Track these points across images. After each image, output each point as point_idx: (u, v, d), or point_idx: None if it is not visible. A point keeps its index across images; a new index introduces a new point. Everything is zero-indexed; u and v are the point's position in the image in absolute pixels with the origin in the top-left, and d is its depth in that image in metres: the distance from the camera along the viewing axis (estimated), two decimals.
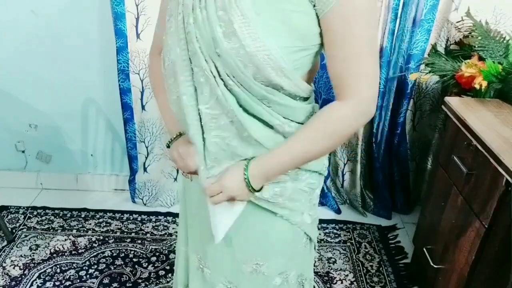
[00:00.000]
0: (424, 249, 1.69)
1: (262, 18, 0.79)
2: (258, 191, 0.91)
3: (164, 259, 1.96)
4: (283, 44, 0.80)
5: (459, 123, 1.46)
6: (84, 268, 1.90)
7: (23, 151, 2.38)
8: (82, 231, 2.13)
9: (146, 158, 2.24)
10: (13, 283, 1.81)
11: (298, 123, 0.91)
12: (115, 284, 1.82)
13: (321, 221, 2.19)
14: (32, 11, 2.01)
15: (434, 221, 1.68)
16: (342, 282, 1.88)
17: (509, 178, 1.19)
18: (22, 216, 2.21)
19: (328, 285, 1.86)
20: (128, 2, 1.86)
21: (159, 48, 1.03)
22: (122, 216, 2.24)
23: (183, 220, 1.12)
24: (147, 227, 2.17)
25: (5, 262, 1.91)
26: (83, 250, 2.00)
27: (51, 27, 2.04)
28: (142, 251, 2.00)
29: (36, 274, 1.85)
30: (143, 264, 1.93)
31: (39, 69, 2.14)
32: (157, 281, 1.85)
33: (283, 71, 0.82)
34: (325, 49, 0.85)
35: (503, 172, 1.21)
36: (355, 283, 1.88)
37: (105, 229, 2.14)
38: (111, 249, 2.01)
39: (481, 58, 1.69)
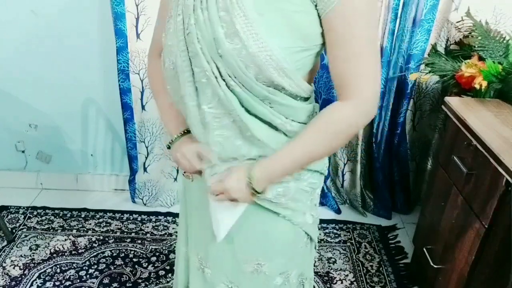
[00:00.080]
0: (424, 249, 1.69)
1: (264, 18, 0.79)
2: (261, 193, 0.91)
3: (164, 259, 1.96)
4: (285, 44, 0.80)
5: (459, 123, 1.47)
6: (84, 268, 1.90)
7: (23, 151, 2.38)
8: (82, 231, 2.13)
9: (146, 158, 2.24)
10: (13, 283, 1.81)
11: (300, 122, 0.91)
12: (115, 284, 1.82)
13: (321, 221, 2.19)
14: (32, 11, 2.01)
15: (434, 221, 1.68)
16: (342, 282, 1.88)
17: (509, 178, 1.19)
18: (22, 216, 2.21)
19: (328, 285, 1.86)
20: (128, 2, 1.86)
21: (158, 49, 1.03)
22: (122, 216, 2.24)
23: (183, 220, 1.12)
24: (147, 227, 2.17)
25: (5, 262, 1.91)
26: (83, 250, 2.00)
27: (51, 27, 2.04)
28: (142, 251, 2.00)
29: (36, 274, 1.86)
30: (143, 264, 1.93)
31: (39, 69, 2.14)
32: (157, 281, 1.85)
33: (285, 71, 0.82)
34: (327, 49, 0.85)
35: (503, 172, 1.21)
36: (355, 283, 1.88)
37: (105, 229, 2.14)
38: (111, 249, 2.01)
39: (481, 58, 1.69)
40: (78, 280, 1.83)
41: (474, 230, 1.38)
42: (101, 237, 2.08)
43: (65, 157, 2.39)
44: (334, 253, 2.04)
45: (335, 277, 1.90)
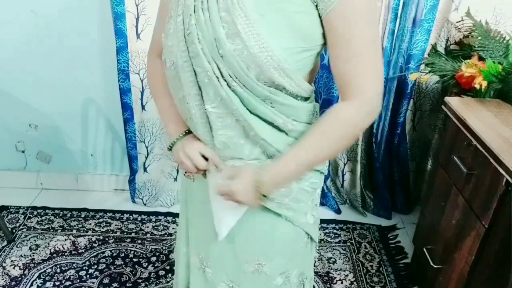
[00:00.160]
0: (424, 249, 1.69)
1: (265, 19, 0.79)
2: (268, 196, 0.92)
3: (164, 259, 1.96)
4: (286, 45, 0.81)
5: (459, 123, 1.47)
6: (84, 268, 1.90)
7: (23, 151, 2.38)
8: (82, 231, 2.13)
9: (146, 158, 2.24)
10: (13, 283, 1.81)
11: (301, 121, 0.91)
12: (115, 284, 1.82)
13: (321, 221, 2.19)
14: (32, 11, 2.01)
15: (434, 221, 1.68)
16: (342, 282, 1.88)
17: (509, 178, 1.19)
18: (22, 216, 2.21)
19: (328, 285, 1.86)
20: (128, 2, 1.86)
21: (157, 49, 1.02)
22: (122, 216, 2.24)
23: (184, 221, 1.12)
24: (147, 227, 2.17)
25: (5, 262, 1.91)
26: (83, 250, 2.00)
27: (51, 27, 2.04)
28: (142, 251, 2.00)
29: (36, 274, 1.85)
30: (143, 264, 1.93)
31: (39, 69, 2.14)
32: (157, 281, 1.85)
33: (285, 71, 0.82)
34: (328, 49, 0.86)
35: (503, 172, 1.21)
36: (355, 283, 1.88)
37: (105, 229, 2.14)
38: (111, 249, 2.01)
39: (481, 58, 1.69)
40: (78, 280, 1.83)
41: (474, 230, 1.38)
42: (101, 237, 2.08)
43: (65, 157, 2.39)
44: (334, 253, 2.04)
45: (335, 277, 1.90)
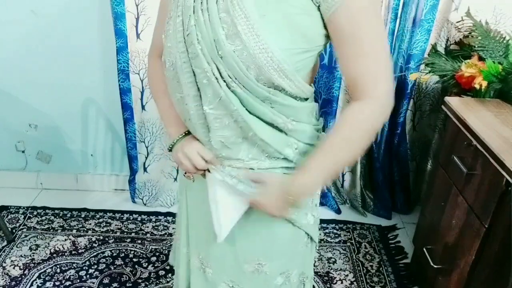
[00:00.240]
0: (424, 249, 1.69)
1: (265, 20, 0.79)
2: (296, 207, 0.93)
3: (164, 259, 1.95)
4: (286, 46, 0.80)
5: (459, 123, 1.47)
6: (84, 268, 1.90)
7: (23, 151, 2.38)
8: (82, 231, 2.13)
9: (146, 158, 2.24)
10: (13, 283, 1.81)
11: (300, 121, 0.91)
12: (115, 284, 1.82)
13: (321, 221, 2.19)
14: (32, 11, 2.01)
15: (434, 221, 1.68)
16: (342, 282, 1.88)
17: (509, 178, 1.19)
18: (22, 216, 2.21)
19: (328, 285, 1.86)
20: (128, 2, 1.86)
21: (158, 50, 1.03)
22: (122, 216, 2.24)
23: (184, 221, 1.12)
24: (147, 227, 2.17)
25: (5, 262, 1.91)
26: (83, 250, 2.00)
27: (51, 27, 2.04)
28: (142, 251, 2.00)
29: (36, 274, 1.86)
30: (143, 264, 1.93)
31: (39, 69, 2.14)
32: (157, 281, 1.85)
33: (285, 73, 0.82)
34: (335, 50, 0.86)
35: (503, 172, 1.21)
36: (355, 283, 1.88)
37: (105, 229, 2.14)
38: (111, 249, 2.01)
39: (481, 58, 1.69)
40: (78, 280, 1.83)
41: (474, 230, 1.38)
42: (101, 237, 2.08)
43: (65, 157, 2.39)
44: (334, 253, 2.04)
45: (335, 277, 1.90)
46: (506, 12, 1.86)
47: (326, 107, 2.06)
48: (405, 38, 1.91)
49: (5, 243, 2.02)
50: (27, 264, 1.91)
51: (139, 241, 2.06)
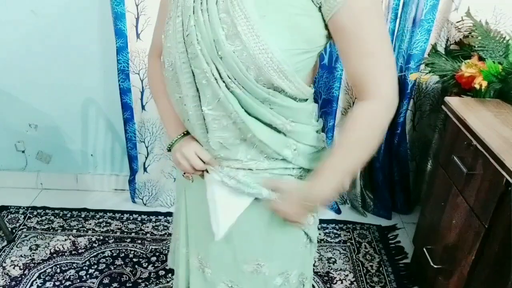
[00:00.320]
0: (424, 249, 1.69)
1: (265, 20, 0.79)
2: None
3: (164, 259, 1.95)
4: (286, 46, 0.80)
5: (459, 123, 1.46)
6: (84, 268, 1.90)
7: (23, 151, 2.38)
8: (82, 231, 2.13)
9: (146, 158, 2.24)
10: (13, 283, 1.81)
11: (299, 122, 0.91)
12: (115, 284, 1.82)
13: (321, 221, 2.19)
14: (32, 11, 2.01)
15: (434, 221, 1.68)
16: (342, 282, 1.88)
17: (509, 178, 1.19)
18: (22, 216, 2.21)
19: (328, 285, 1.86)
20: (128, 2, 1.86)
21: (157, 50, 1.03)
22: (122, 216, 2.24)
23: (183, 221, 1.12)
24: (147, 227, 2.17)
25: (5, 262, 1.91)
26: (83, 250, 2.00)
27: (51, 27, 2.04)
28: (142, 251, 2.00)
29: (36, 274, 1.86)
30: (143, 264, 1.93)
31: (39, 69, 2.14)
32: (157, 281, 1.85)
33: (285, 73, 0.82)
34: (339, 50, 0.86)
35: (503, 172, 1.21)
36: (355, 283, 1.88)
37: (105, 229, 2.14)
38: (111, 249, 2.01)
39: (481, 58, 1.69)
40: (78, 280, 1.83)
41: (474, 230, 1.38)
42: (101, 237, 2.08)
43: (65, 157, 2.39)
44: (334, 253, 2.04)
45: (335, 277, 1.90)
46: (506, 12, 1.86)
47: (326, 107, 2.06)
48: (405, 38, 1.91)
49: (5, 243, 2.02)
50: (27, 264, 1.91)
51: (139, 241, 2.07)
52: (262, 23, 0.78)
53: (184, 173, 1.02)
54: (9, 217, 2.20)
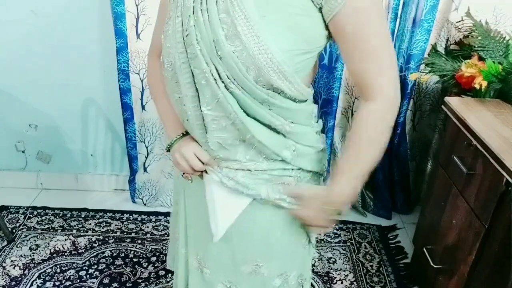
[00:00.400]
0: (424, 249, 1.69)
1: (265, 21, 0.78)
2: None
3: (164, 259, 1.95)
4: (286, 47, 0.80)
5: (459, 123, 1.46)
6: (84, 268, 1.90)
7: (23, 151, 2.38)
8: (82, 231, 2.13)
9: (146, 158, 2.24)
10: (13, 283, 1.81)
11: (298, 123, 0.91)
12: (115, 284, 1.82)
13: None
14: (32, 11, 2.01)
15: (434, 221, 1.68)
16: (342, 282, 1.88)
17: (509, 178, 1.19)
18: (22, 216, 2.21)
19: (328, 285, 1.86)
20: (128, 2, 1.86)
21: (157, 50, 1.02)
22: (122, 216, 2.24)
23: (182, 221, 1.12)
24: (147, 227, 2.17)
25: (5, 262, 1.91)
26: (83, 250, 2.00)
27: (51, 27, 2.04)
28: (142, 251, 2.00)
29: (36, 274, 1.86)
30: (143, 264, 1.93)
31: (39, 69, 2.14)
32: (157, 281, 1.85)
33: (284, 74, 0.82)
34: (340, 50, 0.86)
35: (503, 172, 1.21)
36: (355, 283, 1.88)
37: (105, 229, 2.14)
38: (111, 249, 2.01)
39: (481, 58, 1.69)
40: (78, 280, 1.83)
41: (474, 230, 1.38)
42: (101, 237, 2.08)
43: (65, 157, 2.39)
44: (334, 253, 2.04)
45: (335, 277, 1.90)
46: (506, 12, 1.86)
47: (326, 107, 2.06)
48: (405, 38, 1.91)
49: (5, 243, 2.02)
50: (27, 264, 1.91)
51: (139, 241, 2.07)
52: (262, 23, 0.78)
53: (183, 173, 1.02)
54: (9, 217, 2.20)
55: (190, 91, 0.87)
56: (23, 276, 1.84)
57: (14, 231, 2.11)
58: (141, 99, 2.09)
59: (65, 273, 1.87)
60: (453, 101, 1.56)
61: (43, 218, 2.21)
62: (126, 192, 2.39)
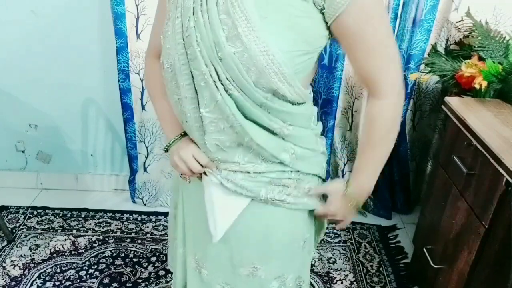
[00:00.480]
0: (424, 249, 1.69)
1: (266, 21, 0.78)
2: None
3: (164, 259, 1.95)
4: (287, 48, 0.80)
5: (459, 123, 1.46)
6: (84, 268, 1.90)
7: (23, 151, 2.38)
8: (82, 231, 2.13)
9: (146, 158, 2.24)
10: (13, 283, 1.81)
11: (297, 126, 0.91)
12: (115, 284, 1.82)
13: None
14: (32, 11, 2.01)
15: (434, 221, 1.68)
16: (342, 282, 1.88)
17: (509, 178, 1.19)
18: (22, 216, 2.21)
19: (328, 285, 1.86)
20: (128, 2, 1.86)
21: (155, 50, 1.01)
22: (122, 216, 2.24)
23: (181, 221, 1.12)
24: (147, 227, 2.17)
25: (5, 262, 1.91)
26: (83, 250, 2.00)
27: (51, 27, 2.04)
28: (142, 251, 2.00)
29: (36, 274, 1.86)
30: (143, 264, 1.93)
31: (39, 69, 2.14)
32: (157, 281, 1.85)
33: (285, 76, 0.81)
34: (344, 49, 0.87)
35: (503, 172, 1.21)
36: (355, 283, 1.88)
37: (105, 229, 2.14)
38: (111, 249, 2.01)
39: (481, 58, 1.69)
40: (78, 280, 1.83)
41: (474, 230, 1.38)
42: (101, 237, 2.08)
43: (65, 157, 2.39)
44: (334, 253, 2.04)
45: (335, 277, 1.90)
46: (506, 12, 1.86)
47: (326, 107, 2.06)
48: (405, 38, 1.91)
49: (5, 243, 2.02)
50: (27, 264, 1.91)
51: (139, 241, 2.07)
52: (263, 24, 0.78)
53: (182, 175, 1.02)
54: (9, 217, 2.20)
55: (189, 92, 0.87)
56: (23, 276, 1.84)
57: (14, 231, 2.11)
58: (141, 99, 2.09)
59: (65, 273, 1.87)
60: (453, 101, 1.56)
61: (43, 218, 2.21)
62: (126, 192, 2.39)
